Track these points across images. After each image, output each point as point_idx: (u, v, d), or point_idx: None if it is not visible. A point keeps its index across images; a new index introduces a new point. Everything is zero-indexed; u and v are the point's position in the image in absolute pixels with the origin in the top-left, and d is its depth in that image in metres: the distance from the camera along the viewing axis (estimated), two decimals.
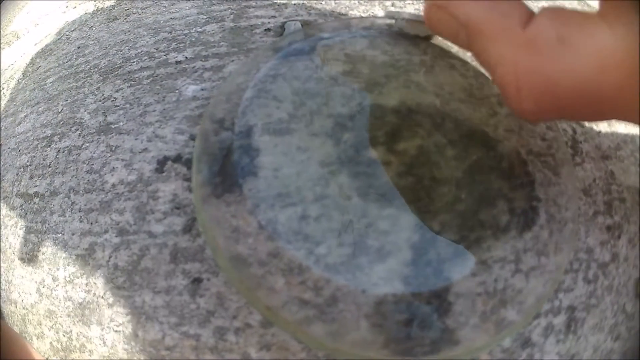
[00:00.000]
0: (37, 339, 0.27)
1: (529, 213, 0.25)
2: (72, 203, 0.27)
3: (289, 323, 0.21)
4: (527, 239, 0.24)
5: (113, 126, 0.27)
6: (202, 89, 0.27)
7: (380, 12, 0.31)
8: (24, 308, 0.28)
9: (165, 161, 0.25)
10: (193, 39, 0.29)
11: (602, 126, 0.33)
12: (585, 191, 0.29)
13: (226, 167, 0.23)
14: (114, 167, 0.26)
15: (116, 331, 0.24)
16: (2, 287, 0.29)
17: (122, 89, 0.29)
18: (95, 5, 0.36)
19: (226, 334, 0.22)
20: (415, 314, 0.22)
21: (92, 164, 0.27)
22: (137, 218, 0.25)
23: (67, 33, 0.35)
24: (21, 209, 0.29)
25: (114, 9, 0.34)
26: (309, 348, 0.22)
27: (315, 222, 0.22)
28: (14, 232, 0.29)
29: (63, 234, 0.27)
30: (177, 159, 0.25)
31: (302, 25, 0.30)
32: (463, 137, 0.26)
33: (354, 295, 0.21)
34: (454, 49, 0.29)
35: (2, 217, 0.30)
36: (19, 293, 0.28)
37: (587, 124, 0.32)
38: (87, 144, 0.28)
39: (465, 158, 0.25)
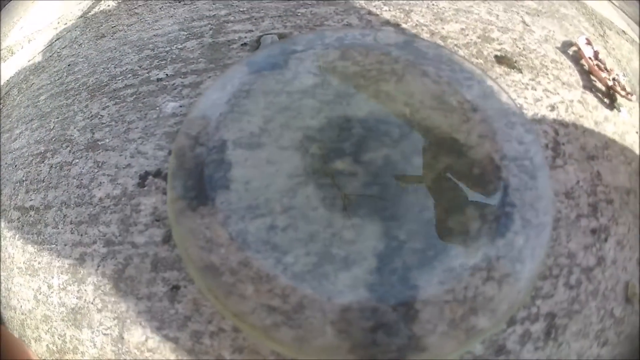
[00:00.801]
0: (35, 342, 0.30)
1: (502, 219, 0.26)
2: (64, 216, 0.30)
3: (257, 328, 0.23)
4: (500, 246, 0.25)
5: (100, 143, 0.30)
6: (181, 106, 0.29)
7: (354, 21, 0.33)
8: (22, 313, 0.31)
9: (146, 176, 0.28)
10: (174, 56, 0.32)
11: (588, 124, 0.33)
12: (567, 194, 0.30)
13: (201, 181, 0.26)
14: (100, 182, 0.29)
15: (105, 334, 0.27)
16: (2, 295, 0.32)
17: (108, 106, 0.31)
18: (85, 22, 0.38)
19: (202, 338, 0.25)
20: (380, 321, 0.23)
21: (82, 179, 0.30)
22: (122, 230, 0.28)
23: (58, 50, 0.38)
24: (18, 222, 0.32)
25: (101, 26, 0.37)
26: (277, 352, 0.25)
27: (282, 233, 0.25)
28: (13, 243, 0.32)
29: (56, 245, 0.30)
30: (157, 173, 0.28)
31: (278, 38, 0.32)
32: (432, 144, 0.28)
33: (319, 303, 0.23)
34: (429, 53, 0.30)
35: (1, 229, 0.33)
36: (17, 300, 0.31)
37: (571, 123, 0.33)
38: (77, 160, 0.31)
39: (434, 166, 0.27)
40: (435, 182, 0.27)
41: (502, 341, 0.26)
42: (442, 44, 0.34)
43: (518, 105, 0.29)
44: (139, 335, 0.26)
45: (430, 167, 0.27)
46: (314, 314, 0.23)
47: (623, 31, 0.42)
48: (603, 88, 0.35)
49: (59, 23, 0.40)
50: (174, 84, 0.30)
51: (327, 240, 0.25)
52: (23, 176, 0.33)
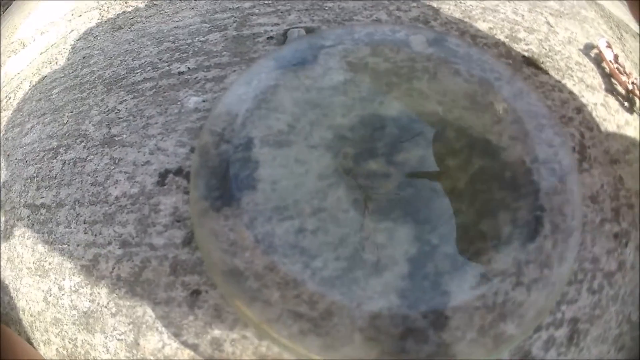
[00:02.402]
0: (44, 345, 0.30)
1: (533, 223, 0.26)
2: (77, 215, 0.30)
3: (283, 336, 0.23)
4: (530, 251, 0.25)
5: (116, 138, 0.31)
6: (204, 100, 0.30)
7: (383, 17, 0.33)
8: (31, 315, 0.31)
9: (166, 174, 0.28)
10: (196, 49, 0.32)
11: (611, 128, 0.34)
12: (593, 198, 0.30)
13: (225, 180, 0.26)
14: (117, 180, 0.30)
15: (119, 339, 0.27)
16: (11, 295, 0.33)
17: (125, 100, 0.32)
18: (100, 14, 0.39)
19: (222, 345, 0.25)
20: (410, 327, 0.24)
21: (97, 176, 0.30)
22: (139, 230, 0.28)
23: (72, 42, 0.38)
24: (28, 220, 0.33)
25: (118, 17, 0.38)
26: None
27: (311, 236, 0.25)
28: (22, 242, 0.32)
29: (69, 245, 0.30)
30: (179, 172, 0.28)
31: (305, 32, 0.32)
32: (465, 146, 0.28)
33: (348, 309, 0.24)
34: (460, 51, 0.31)
35: (9, 227, 0.34)
36: (26, 301, 0.32)
37: (595, 126, 0.33)
38: (92, 156, 0.31)
39: (467, 168, 0.27)
40: (468, 184, 0.27)
41: (527, 347, 0.26)
42: (471, 42, 0.34)
43: (547, 107, 0.30)
44: (155, 341, 0.26)
45: (463, 169, 0.27)
46: (342, 321, 0.24)
47: (638, 34, 0.42)
48: (623, 91, 0.35)
49: (73, 15, 0.41)
50: (196, 77, 0.31)
51: (357, 244, 0.25)
52: (34, 172, 0.34)
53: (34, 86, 0.38)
